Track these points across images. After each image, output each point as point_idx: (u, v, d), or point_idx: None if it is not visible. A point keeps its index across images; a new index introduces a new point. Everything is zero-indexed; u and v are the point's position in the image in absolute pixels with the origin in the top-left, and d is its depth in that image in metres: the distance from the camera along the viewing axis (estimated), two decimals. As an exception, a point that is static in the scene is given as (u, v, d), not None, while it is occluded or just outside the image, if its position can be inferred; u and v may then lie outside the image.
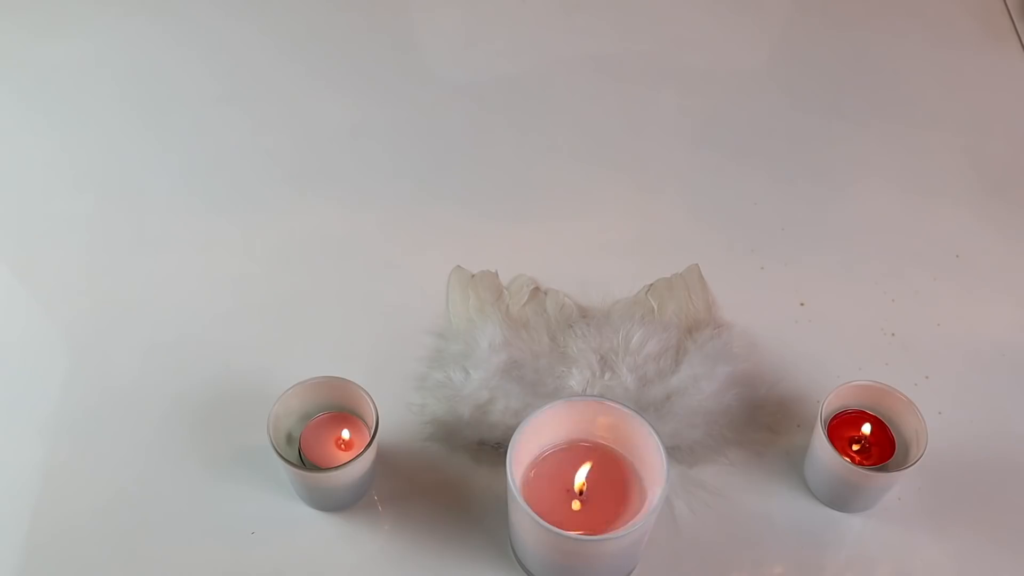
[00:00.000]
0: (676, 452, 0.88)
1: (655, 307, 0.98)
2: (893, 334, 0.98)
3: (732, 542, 0.86)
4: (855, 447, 0.86)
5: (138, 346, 0.96)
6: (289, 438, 0.86)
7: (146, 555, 0.84)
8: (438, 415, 0.90)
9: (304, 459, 0.85)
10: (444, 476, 0.88)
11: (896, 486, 0.87)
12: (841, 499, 0.86)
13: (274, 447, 0.81)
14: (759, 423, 0.91)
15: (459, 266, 1.01)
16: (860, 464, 0.85)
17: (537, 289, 0.99)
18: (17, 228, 1.04)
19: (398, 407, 0.91)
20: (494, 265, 1.01)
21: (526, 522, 0.75)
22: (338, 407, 0.87)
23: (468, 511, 0.86)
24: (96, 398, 0.92)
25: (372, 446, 0.83)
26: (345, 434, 0.85)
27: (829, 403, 0.85)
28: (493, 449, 0.88)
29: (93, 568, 0.84)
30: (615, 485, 0.81)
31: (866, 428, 0.86)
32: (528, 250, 1.03)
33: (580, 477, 0.80)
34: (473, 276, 1.00)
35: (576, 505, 0.80)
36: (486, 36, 1.23)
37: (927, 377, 0.95)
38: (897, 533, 0.86)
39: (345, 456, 0.84)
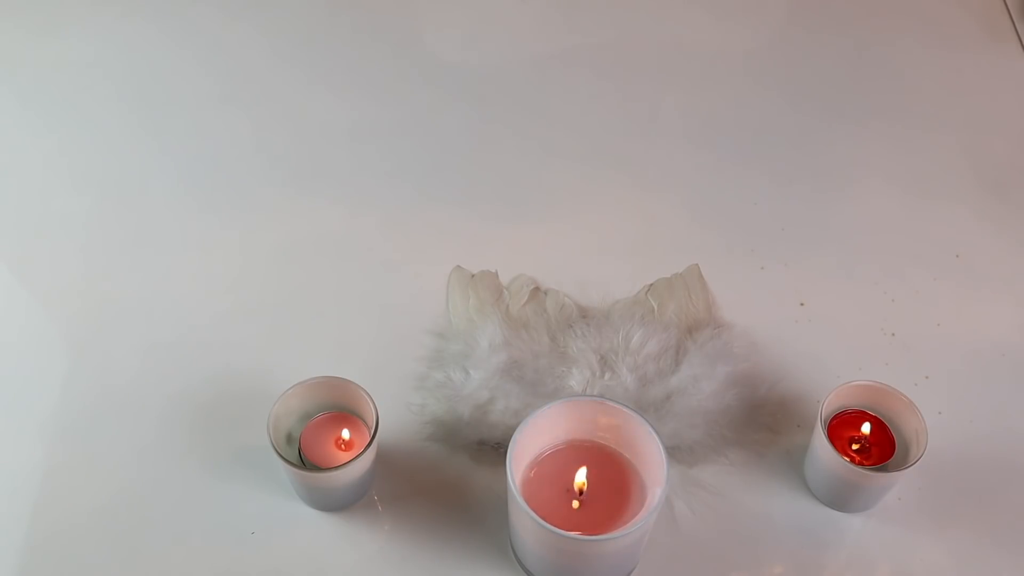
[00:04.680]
0: (676, 452, 0.88)
1: (655, 307, 0.98)
2: (893, 334, 0.98)
3: (732, 542, 0.86)
4: (855, 447, 0.86)
5: (138, 346, 0.96)
6: (289, 438, 0.86)
7: (146, 555, 0.84)
8: (438, 415, 0.90)
9: (304, 459, 0.85)
10: (444, 476, 0.88)
11: (896, 486, 0.87)
12: (841, 499, 0.86)
13: (274, 447, 0.81)
14: (759, 423, 0.91)
15: (459, 266, 1.01)
16: (860, 464, 0.85)
17: (537, 289, 0.99)
18: (16, 228, 1.04)
19: (398, 407, 0.91)
20: (494, 265, 1.01)
21: (526, 522, 0.75)
22: (338, 407, 0.87)
23: (468, 511, 0.86)
24: (95, 398, 0.92)
25: (372, 446, 0.83)
26: (345, 434, 0.85)
27: (829, 403, 0.85)
28: (493, 449, 0.88)
29: (93, 568, 0.84)
30: (615, 485, 0.81)
31: (866, 428, 0.86)
32: (528, 250, 1.03)
33: (580, 477, 0.80)
34: (473, 276, 1.00)
35: (576, 505, 0.80)
36: (485, 36, 1.23)
37: (927, 377, 0.95)
38: (897, 533, 0.86)
39: (345, 456, 0.84)
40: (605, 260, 1.02)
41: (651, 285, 1.00)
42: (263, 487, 0.87)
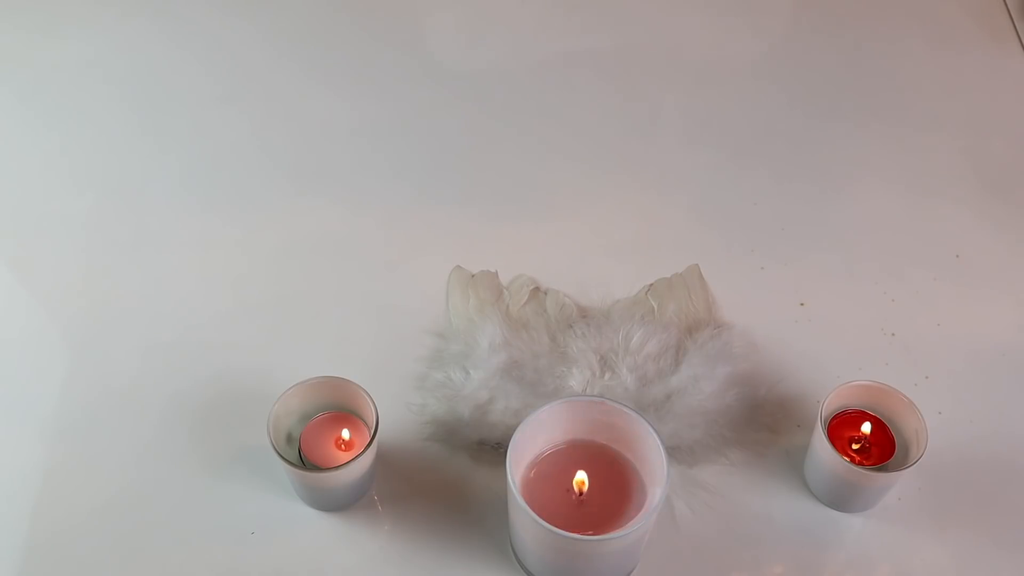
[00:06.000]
0: (676, 452, 0.88)
1: (655, 307, 0.98)
2: (893, 334, 0.98)
3: (732, 542, 0.86)
4: (855, 447, 0.86)
5: (138, 346, 0.96)
6: (289, 438, 0.86)
7: (146, 555, 0.84)
8: (438, 415, 0.90)
9: (304, 459, 0.85)
10: (444, 476, 0.88)
11: (896, 486, 0.87)
12: (841, 499, 0.86)
13: (274, 447, 0.81)
14: (759, 423, 0.91)
15: (459, 266, 1.01)
16: (860, 464, 0.85)
17: (537, 289, 0.99)
18: (17, 228, 1.04)
19: (398, 407, 0.91)
20: (494, 265, 1.01)
21: (526, 522, 0.75)
22: (338, 407, 0.87)
23: (468, 511, 0.86)
24: (95, 398, 0.92)
25: (372, 446, 0.83)
26: (345, 434, 0.85)
27: (829, 403, 0.85)
28: (493, 449, 0.88)
29: (93, 568, 0.84)
30: (615, 485, 0.81)
31: (866, 428, 0.86)
32: (528, 250, 1.03)
33: (580, 477, 0.80)
34: (473, 276, 1.00)
35: (576, 505, 0.80)
36: (486, 36, 1.23)
37: (927, 377, 0.95)
38: (897, 533, 0.86)
39: (345, 456, 0.84)
40: (605, 260, 1.02)
41: (651, 285, 1.00)
42: (263, 487, 0.87)
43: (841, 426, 0.87)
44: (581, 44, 1.22)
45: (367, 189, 1.08)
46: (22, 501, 0.86)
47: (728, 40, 1.23)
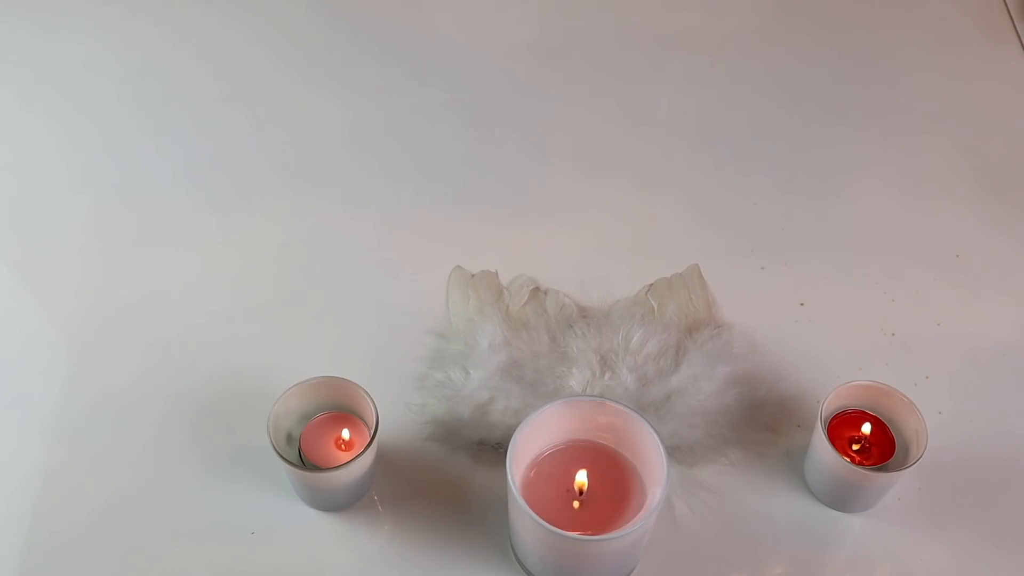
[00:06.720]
0: (676, 452, 0.88)
1: (655, 307, 0.98)
2: (893, 334, 0.98)
3: (732, 542, 0.86)
4: (855, 447, 0.86)
5: (137, 345, 0.96)
6: (289, 438, 0.86)
7: (146, 555, 0.84)
8: (438, 415, 0.90)
9: (304, 459, 0.85)
10: (444, 476, 0.88)
11: (896, 486, 0.87)
12: (841, 499, 0.86)
13: (274, 447, 0.81)
14: (759, 423, 0.91)
15: (459, 266, 1.01)
16: (860, 464, 0.85)
17: (537, 289, 0.99)
18: (15, 228, 1.04)
19: (398, 407, 0.91)
20: (494, 265, 1.01)
21: (526, 522, 0.75)
22: (338, 407, 0.87)
23: (468, 511, 0.86)
24: (95, 397, 0.92)
25: (372, 446, 0.83)
26: (345, 434, 0.85)
27: (829, 403, 0.85)
28: (493, 449, 0.88)
29: (92, 567, 0.84)
30: (615, 485, 0.81)
31: (866, 428, 0.86)
32: (528, 250, 1.03)
33: (580, 477, 0.80)
34: (473, 276, 1.00)
35: (576, 505, 0.80)
36: (485, 37, 1.23)
37: (927, 377, 0.95)
38: (897, 533, 0.86)
39: (345, 456, 0.84)
40: (605, 260, 1.03)
41: (651, 285, 1.00)
42: (263, 487, 0.87)
43: (841, 426, 0.87)
44: (581, 45, 1.22)
45: (366, 189, 1.08)
46: (22, 501, 0.86)
47: (728, 40, 1.23)
